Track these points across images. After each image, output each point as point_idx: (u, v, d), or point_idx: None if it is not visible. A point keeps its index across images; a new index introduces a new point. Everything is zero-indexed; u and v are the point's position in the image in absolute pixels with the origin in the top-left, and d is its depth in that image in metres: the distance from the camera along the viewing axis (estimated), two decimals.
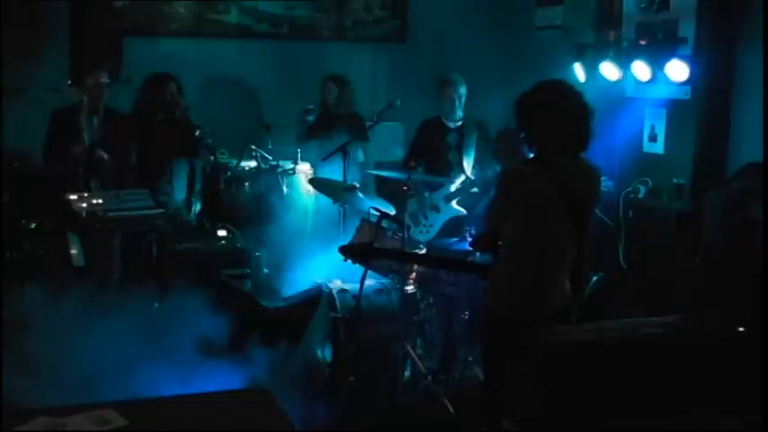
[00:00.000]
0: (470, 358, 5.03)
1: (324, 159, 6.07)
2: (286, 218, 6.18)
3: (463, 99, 6.04)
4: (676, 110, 5.61)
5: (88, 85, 5.73)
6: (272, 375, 4.70)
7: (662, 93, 5.61)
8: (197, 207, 6.24)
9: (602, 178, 3.82)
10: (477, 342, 4.80)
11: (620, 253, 5.66)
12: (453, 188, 5.92)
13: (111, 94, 5.90)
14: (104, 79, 5.79)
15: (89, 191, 5.41)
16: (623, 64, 5.67)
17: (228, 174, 6.36)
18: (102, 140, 5.78)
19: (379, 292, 5.14)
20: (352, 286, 5.06)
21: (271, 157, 6.42)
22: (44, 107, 5.87)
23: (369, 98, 7.10)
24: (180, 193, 6.15)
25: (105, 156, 5.65)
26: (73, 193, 5.33)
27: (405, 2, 7.74)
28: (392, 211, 5.31)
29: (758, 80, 4.96)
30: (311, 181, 6.08)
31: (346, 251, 4.58)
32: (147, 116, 6.10)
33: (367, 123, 6.41)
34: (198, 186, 6.25)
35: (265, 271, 6.19)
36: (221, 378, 4.44)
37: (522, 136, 3.69)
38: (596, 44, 6.09)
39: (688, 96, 5.44)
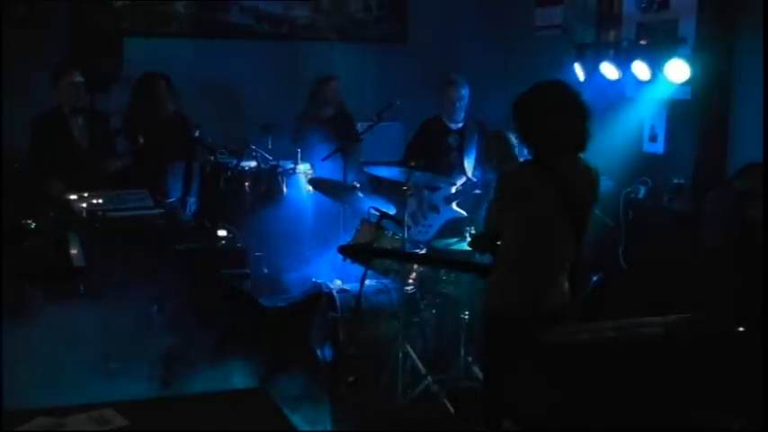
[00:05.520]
0: (470, 358, 5.03)
1: (324, 159, 6.08)
2: (286, 218, 6.17)
3: (466, 100, 6.03)
4: (676, 110, 5.61)
5: (63, 85, 5.72)
6: (271, 376, 4.70)
7: (662, 93, 5.60)
8: (193, 206, 6.24)
9: (602, 178, 3.81)
10: (477, 342, 4.80)
11: (620, 253, 5.65)
12: (454, 190, 5.91)
13: (110, 94, 5.90)
14: (79, 78, 5.76)
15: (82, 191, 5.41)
16: (623, 64, 5.66)
17: (228, 174, 6.36)
18: (89, 140, 5.79)
19: (379, 292, 5.14)
20: (352, 286, 5.06)
21: (271, 157, 6.42)
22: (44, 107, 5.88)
23: (369, 98, 7.09)
24: (176, 192, 6.15)
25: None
26: (73, 193, 5.34)
27: (404, 2, 7.74)
28: (392, 211, 5.30)
29: (758, 80, 4.95)
30: (311, 181, 6.08)
31: (346, 251, 4.58)
32: (140, 115, 6.10)
33: (367, 123, 6.41)
34: (195, 185, 6.25)
35: (265, 271, 6.18)
36: (221, 378, 4.45)
37: (516, 136, 3.69)
38: (596, 44, 6.08)
39: (688, 96, 5.44)
